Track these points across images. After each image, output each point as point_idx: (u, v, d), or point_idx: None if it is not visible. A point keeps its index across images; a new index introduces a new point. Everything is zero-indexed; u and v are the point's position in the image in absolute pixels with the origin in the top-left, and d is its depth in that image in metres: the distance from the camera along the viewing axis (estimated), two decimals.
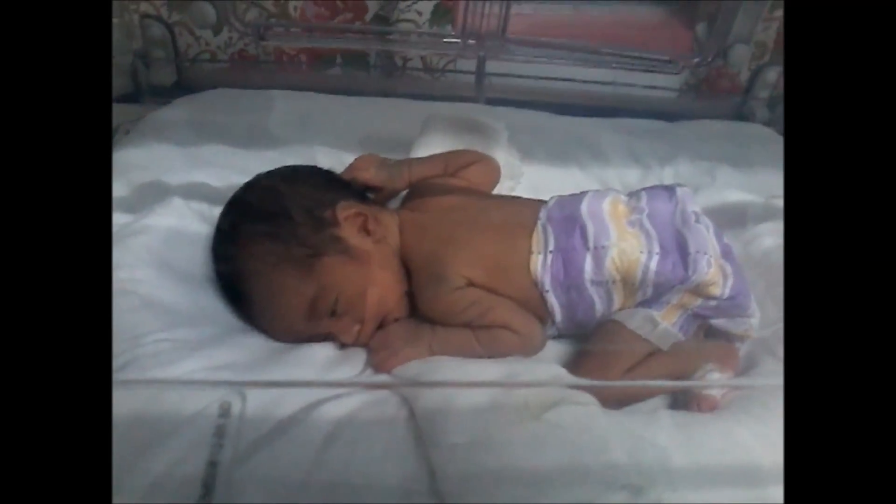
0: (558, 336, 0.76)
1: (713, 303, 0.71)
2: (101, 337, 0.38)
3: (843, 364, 0.38)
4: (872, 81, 0.40)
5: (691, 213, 0.74)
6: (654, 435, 0.57)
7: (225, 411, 0.51)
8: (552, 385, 0.58)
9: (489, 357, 0.68)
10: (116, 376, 0.56)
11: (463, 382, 0.59)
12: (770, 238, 0.84)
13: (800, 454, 0.38)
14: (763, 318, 0.75)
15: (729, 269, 0.72)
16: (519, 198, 0.86)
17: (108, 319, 0.38)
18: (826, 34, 0.41)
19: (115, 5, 1.06)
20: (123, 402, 0.53)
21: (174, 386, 0.55)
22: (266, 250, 0.70)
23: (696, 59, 1.12)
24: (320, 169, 0.83)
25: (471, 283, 0.72)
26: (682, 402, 0.71)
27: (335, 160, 0.89)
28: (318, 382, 0.61)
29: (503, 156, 0.92)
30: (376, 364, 0.67)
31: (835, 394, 0.38)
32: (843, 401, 0.38)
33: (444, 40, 1.13)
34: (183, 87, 1.11)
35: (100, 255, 0.39)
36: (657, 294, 0.71)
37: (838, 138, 0.41)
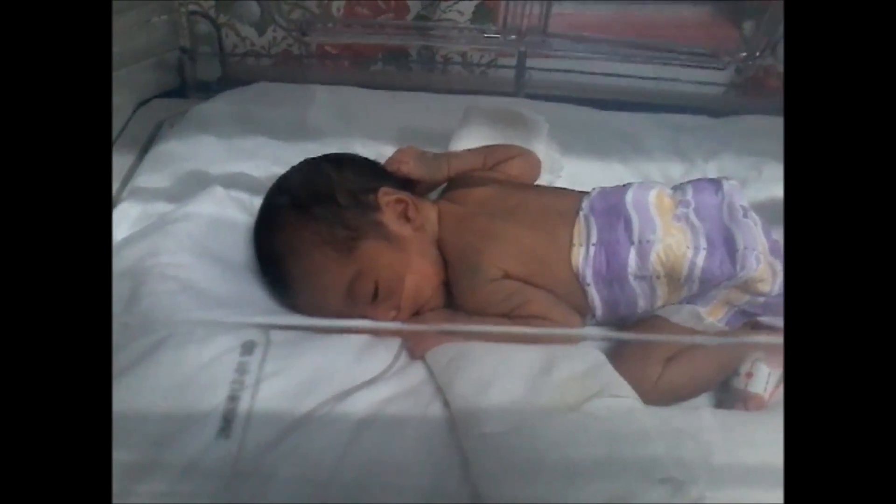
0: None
1: (761, 300, 0.69)
2: (100, 335, 0.38)
3: (845, 359, 0.37)
4: (874, 77, 0.39)
5: (739, 207, 0.72)
6: (696, 430, 0.55)
7: (248, 350, 0.52)
8: (574, 335, 0.57)
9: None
10: (151, 350, 0.57)
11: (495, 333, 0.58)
12: None
13: (800, 454, 0.37)
14: None
15: (778, 265, 0.69)
16: (559, 188, 0.85)
17: (107, 318, 0.38)
18: (826, 31, 0.40)
19: (164, 3, 1.09)
20: (153, 384, 0.54)
21: (206, 368, 0.55)
22: (309, 230, 0.71)
23: (742, 54, 1.10)
24: (365, 158, 0.83)
25: (507, 275, 0.71)
26: (728, 402, 0.69)
27: (374, 153, 0.89)
28: (346, 327, 0.61)
29: (543, 149, 0.90)
30: (411, 347, 0.67)
31: (836, 393, 0.37)
32: (844, 400, 0.37)
33: (485, 35, 1.13)
34: (227, 82, 1.13)
35: (99, 252, 0.39)
36: (703, 290, 0.69)
37: (839, 133, 0.39)
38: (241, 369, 0.51)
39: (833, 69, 0.40)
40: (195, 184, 0.82)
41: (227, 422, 0.51)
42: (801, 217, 0.40)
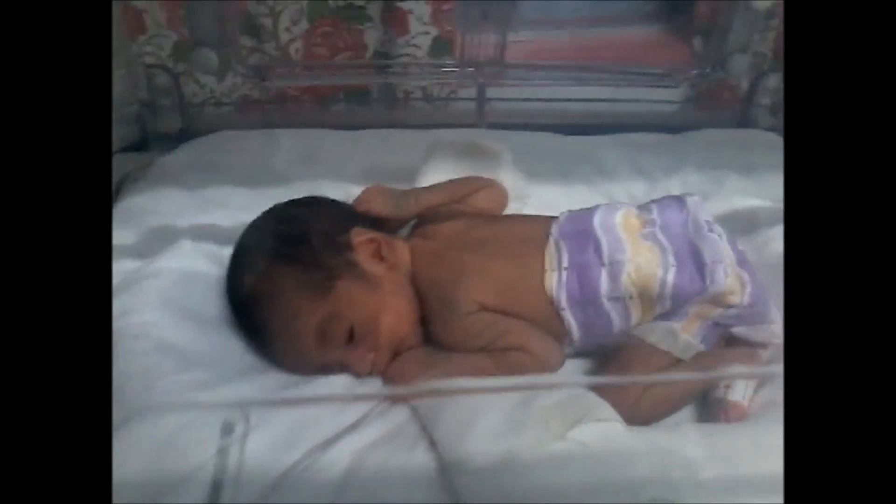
0: (576, 354, 0.75)
1: (733, 311, 0.70)
2: (100, 340, 0.38)
3: (843, 368, 0.37)
4: (873, 83, 0.40)
5: (704, 222, 0.73)
6: (681, 448, 0.56)
7: (228, 431, 0.51)
8: (567, 385, 0.57)
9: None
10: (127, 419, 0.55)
11: (477, 388, 0.58)
12: (782, 241, 0.83)
13: (800, 460, 0.37)
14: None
15: (746, 276, 0.71)
16: (527, 216, 0.86)
17: (107, 327, 0.38)
18: (826, 37, 0.41)
19: (120, 57, 1.08)
20: (131, 451, 0.53)
21: (183, 431, 0.54)
22: (285, 274, 0.70)
23: (694, 71, 1.13)
24: (333, 199, 0.84)
25: (483, 307, 0.72)
26: (709, 413, 0.70)
27: (341, 193, 0.89)
28: (323, 397, 0.60)
29: (508, 178, 0.92)
30: (392, 387, 0.67)
31: (835, 398, 0.37)
32: (843, 405, 0.37)
33: (444, 69, 1.14)
34: (189, 133, 1.12)
35: (100, 281, 0.40)
36: (676, 306, 0.70)
37: (838, 140, 0.40)
38: (223, 453, 0.50)
39: (831, 90, 0.41)
40: (162, 238, 0.81)
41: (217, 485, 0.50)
42: (801, 226, 0.40)
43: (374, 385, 0.67)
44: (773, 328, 0.73)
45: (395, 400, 0.65)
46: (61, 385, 0.36)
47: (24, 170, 0.38)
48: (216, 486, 0.49)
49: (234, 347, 0.72)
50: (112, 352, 0.41)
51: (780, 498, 0.50)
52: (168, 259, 0.77)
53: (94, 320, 0.38)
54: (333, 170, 0.98)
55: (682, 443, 0.57)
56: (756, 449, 0.58)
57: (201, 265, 0.78)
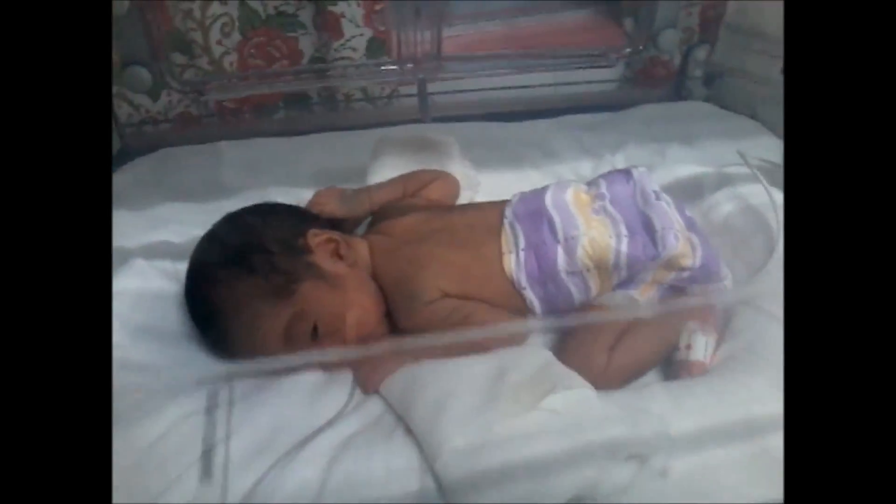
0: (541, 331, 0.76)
1: (686, 273, 0.72)
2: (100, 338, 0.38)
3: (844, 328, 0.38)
4: (871, 76, 0.40)
5: (651, 191, 0.76)
6: (649, 406, 0.58)
7: (213, 399, 0.50)
8: (519, 329, 0.57)
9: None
10: None
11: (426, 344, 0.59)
12: (728, 204, 0.86)
13: (800, 409, 0.38)
14: (734, 279, 0.77)
15: (696, 239, 0.73)
16: (480, 203, 0.87)
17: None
18: (826, 28, 0.42)
19: None
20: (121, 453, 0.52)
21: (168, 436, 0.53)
22: (245, 283, 0.69)
23: (627, 50, 1.16)
24: (287, 204, 0.83)
25: (445, 295, 0.72)
26: (673, 374, 0.72)
27: (292, 199, 0.88)
28: (301, 361, 0.60)
29: (458, 168, 0.93)
30: (362, 380, 0.67)
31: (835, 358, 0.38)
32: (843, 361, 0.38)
33: (382, 68, 1.15)
34: (128, 153, 1.10)
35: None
36: (631, 274, 0.72)
37: (837, 130, 0.41)
38: (211, 420, 0.49)
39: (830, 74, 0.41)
40: (114, 260, 0.79)
41: (207, 473, 0.50)
42: (801, 206, 0.41)
43: (343, 381, 0.67)
44: (725, 284, 0.75)
45: (366, 388, 0.65)
46: (59, 396, 0.36)
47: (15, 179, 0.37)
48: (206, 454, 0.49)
49: (199, 360, 0.71)
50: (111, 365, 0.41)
51: (749, 440, 0.53)
52: (122, 280, 0.75)
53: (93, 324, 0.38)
54: (282, 177, 0.97)
55: (650, 401, 0.59)
56: (720, 398, 0.60)
57: (157, 283, 0.77)
